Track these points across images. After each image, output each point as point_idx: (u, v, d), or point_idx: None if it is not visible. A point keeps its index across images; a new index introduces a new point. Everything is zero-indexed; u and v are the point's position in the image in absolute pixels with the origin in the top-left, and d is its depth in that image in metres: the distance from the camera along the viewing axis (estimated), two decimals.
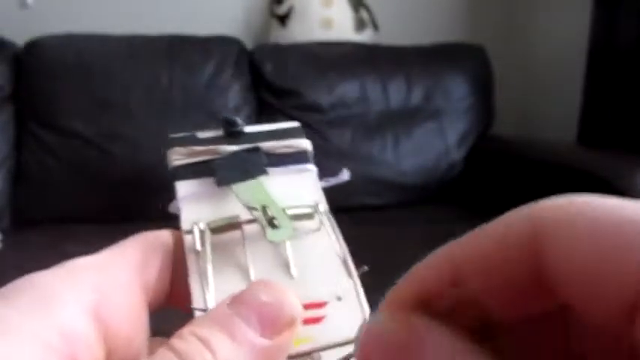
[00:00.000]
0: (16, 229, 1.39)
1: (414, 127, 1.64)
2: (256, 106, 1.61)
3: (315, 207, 0.24)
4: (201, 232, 0.22)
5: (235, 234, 0.23)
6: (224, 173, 0.25)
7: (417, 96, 1.67)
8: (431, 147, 1.64)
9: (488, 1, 2.02)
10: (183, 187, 0.25)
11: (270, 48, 1.68)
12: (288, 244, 0.22)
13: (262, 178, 0.25)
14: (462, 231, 0.15)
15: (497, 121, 1.79)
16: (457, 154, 1.67)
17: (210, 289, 0.20)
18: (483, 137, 1.72)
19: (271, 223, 0.22)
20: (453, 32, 1.90)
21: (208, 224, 0.22)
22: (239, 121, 0.26)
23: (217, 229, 0.22)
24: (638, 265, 0.11)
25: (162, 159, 0.26)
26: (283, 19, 1.72)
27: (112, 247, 0.20)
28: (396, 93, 1.65)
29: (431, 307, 0.14)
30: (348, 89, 1.62)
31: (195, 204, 0.24)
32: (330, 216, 0.23)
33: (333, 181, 0.26)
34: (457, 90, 1.69)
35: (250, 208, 0.23)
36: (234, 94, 1.56)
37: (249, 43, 1.68)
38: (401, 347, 0.14)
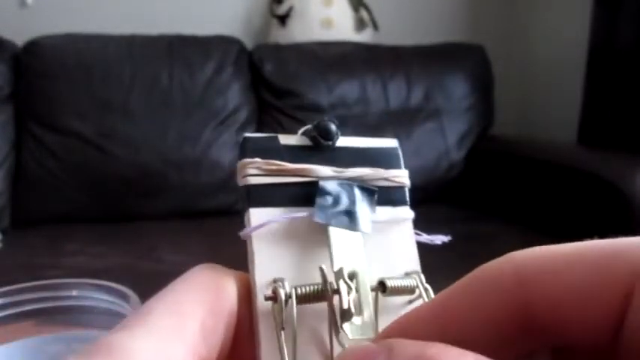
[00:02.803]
0: (16, 229, 1.39)
1: (414, 127, 1.64)
2: (256, 106, 1.60)
3: (418, 278, 0.19)
4: (286, 297, 0.17)
5: (320, 304, 0.17)
6: (328, 211, 0.19)
7: (417, 96, 1.67)
8: (431, 147, 1.64)
9: (488, 1, 2.02)
10: (259, 219, 0.18)
11: (270, 48, 1.68)
12: (379, 323, 0.18)
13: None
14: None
15: (497, 121, 1.79)
16: (457, 154, 1.67)
17: None
18: (483, 137, 1.72)
19: (350, 301, 0.17)
20: (453, 32, 1.90)
21: (295, 290, 0.17)
22: (335, 129, 0.20)
23: (305, 297, 0.17)
24: (621, 280, 0.13)
25: (236, 174, 0.19)
26: (283, 19, 1.72)
27: (167, 307, 0.16)
28: (396, 93, 1.65)
29: None
30: (347, 89, 1.62)
31: (272, 247, 0.18)
32: (429, 288, 0.18)
33: (424, 238, 0.20)
34: (457, 90, 1.69)
35: (339, 276, 0.17)
36: (233, 94, 1.56)
37: (249, 43, 1.68)
38: (369, 353, 0.14)
